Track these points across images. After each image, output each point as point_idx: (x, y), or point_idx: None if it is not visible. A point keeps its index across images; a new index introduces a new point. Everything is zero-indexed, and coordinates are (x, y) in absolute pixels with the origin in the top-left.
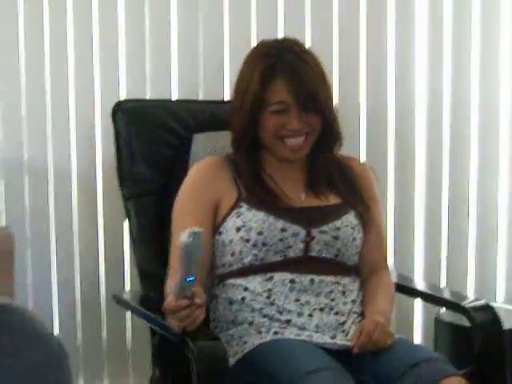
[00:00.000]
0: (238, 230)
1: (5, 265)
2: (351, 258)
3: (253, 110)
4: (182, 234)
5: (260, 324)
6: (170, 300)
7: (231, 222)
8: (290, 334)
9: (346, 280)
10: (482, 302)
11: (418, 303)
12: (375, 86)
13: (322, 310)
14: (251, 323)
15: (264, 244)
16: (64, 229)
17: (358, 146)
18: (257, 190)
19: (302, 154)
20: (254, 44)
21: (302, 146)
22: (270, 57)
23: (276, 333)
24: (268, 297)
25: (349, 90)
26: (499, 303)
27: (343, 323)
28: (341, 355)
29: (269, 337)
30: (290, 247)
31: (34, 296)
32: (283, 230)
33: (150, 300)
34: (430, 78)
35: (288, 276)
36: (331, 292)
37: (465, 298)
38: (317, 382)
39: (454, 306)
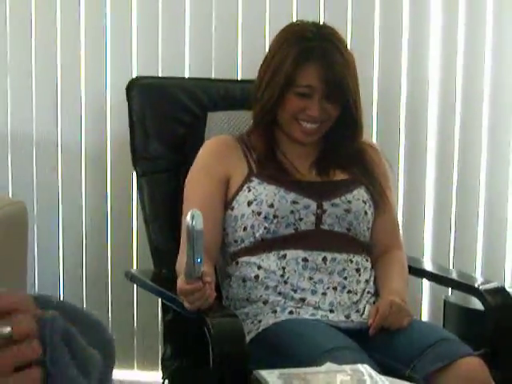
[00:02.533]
0: (250, 203)
1: (19, 237)
2: (363, 233)
3: (282, 89)
4: (186, 217)
5: (275, 303)
6: (181, 283)
7: (243, 197)
8: (306, 313)
9: (359, 258)
10: (496, 284)
11: (426, 284)
12: (388, 72)
13: (335, 288)
14: (266, 302)
15: (275, 216)
16: (72, 205)
17: (369, 132)
18: (268, 165)
19: (313, 139)
20: (267, 23)
21: (316, 131)
22: (307, 40)
23: (291, 312)
24: (282, 275)
25: (361, 76)
26: (507, 286)
27: (357, 302)
28: (356, 334)
29: (284, 316)
30: (301, 219)
31: (40, 271)
32: (294, 202)
33: (163, 277)
34: (442, 66)
35: (301, 254)
36: (344, 270)
37: (477, 280)
38: (335, 361)
39: (468, 288)
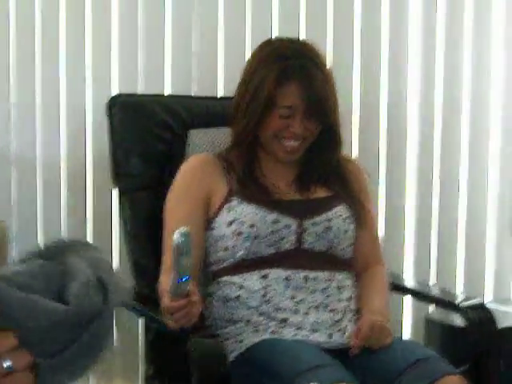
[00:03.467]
0: (230, 224)
1: None
2: (344, 251)
3: (263, 110)
4: (173, 235)
5: (257, 323)
6: (167, 301)
7: (223, 217)
8: (288, 333)
9: (340, 276)
10: (477, 300)
11: (407, 301)
12: (368, 85)
13: (317, 307)
14: (248, 322)
15: (256, 237)
16: (52, 223)
17: (349, 145)
18: (248, 184)
19: (295, 157)
20: (247, 40)
21: (297, 149)
22: (285, 59)
23: (273, 332)
24: (264, 295)
25: (341, 90)
26: (487, 302)
27: (339, 321)
28: (338, 354)
29: (266, 336)
30: (282, 239)
31: None
32: (275, 222)
33: (145, 296)
34: (422, 78)
35: (282, 273)
36: (325, 289)
37: (458, 296)
38: (318, 378)
39: (449, 304)
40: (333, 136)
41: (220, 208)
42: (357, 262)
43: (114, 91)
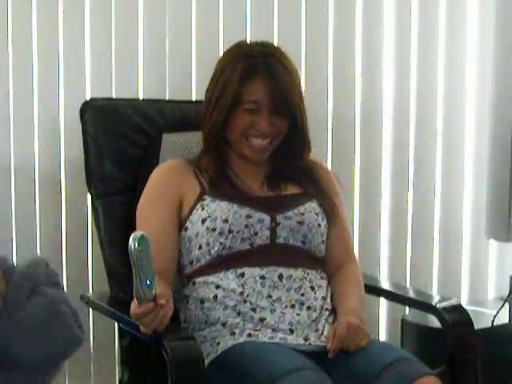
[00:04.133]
0: (204, 221)
1: None
2: (318, 246)
3: (230, 107)
4: (129, 241)
5: (233, 325)
6: (133, 306)
7: (196, 215)
8: (264, 336)
9: (313, 275)
10: (453, 301)
11: (383, 303)
12: (342, 91)
13: (293, 306)
14: (224, 324)
15: (230, 231)
16: (26, 229)
17: (324, 150)
18: (220, 183)
19: (264, 156)
20: (221, 44)
21: (266, 148)
22: (251, 57)
23: (250, 335)
24: (241, 292)
25: (316, 96)
26: (464, 304)
27: (315, 320)
28: (315, 356)
29: (242, 339)
30: (256, 234)
31: None
32: (248, 216)
33: (119, 300)
34: (397, 83)
35: (258, 272)
36: (300, 287)
37: (434, 298)
38: (295, 381)
39: (425, 306)
40: (300, 135)
41: (193, 208)
42: (329, 261)
43: (88, 96)
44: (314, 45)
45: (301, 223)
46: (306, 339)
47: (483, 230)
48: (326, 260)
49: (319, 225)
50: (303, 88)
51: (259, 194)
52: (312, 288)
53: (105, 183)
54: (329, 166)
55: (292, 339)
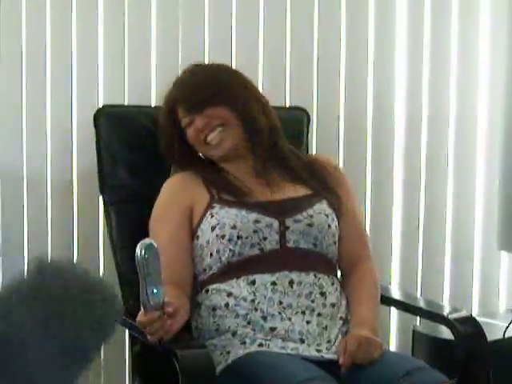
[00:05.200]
0: (213, 228)
1: None
2: (330, 248)
3: (181, 142)
4: (136, 249)
5: (244, 334)
6: (140, 314)
7: (206, 224)
8: (275, 346)
9: (324, 280)
10: (465, 312)
11: (394, 313)
12: (354, 90)
13: (303, 312)
14: (235, 333)
15: (239, 237)
16: (39, 236)
17: (336, 153)
18: (227, 190)
19: (224, 148)
20: (233, 55)
21: (222, 139)
22: (170, 100)
23: (261, 345)
24: (252, 300)
25: (328, 95)
26: (475, 315)
27: (326, 328)
28: (327, 366)
29: (253, 348)
30: (265, 239)
31: None
32: (256, 221)
33: (131, 308)
34: (409, 81)
35: (268, 278)
36: (311, 293)
37: (445, 308)
38: None
39: (437, 316)
40: (248, 118)
41: (203, 216)
42: (343, 258)
43: (101, 103)
44: (326, 47)
45: (310, 225)
46: (318, 351)
47: (494, 242)
48: (339, 258)
49: (329, 226)
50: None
51: (268, 198)
52: (322, 294)
53: (117, 190)
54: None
55: (303, 349)
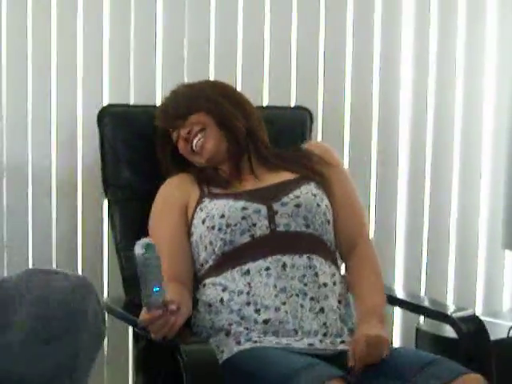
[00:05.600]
0: (204, 221)
1: None
2: (322, 226)
3: (175, 157)
4: (134, 248)
5: (238, 333)
6: (142, 313)
7: (197, 218)
8: (270, 342)
9: (318, 261)
10: (469, 311)
11: (398, 312)
12: (360, 88)
13: (297, 295)
14: (228, 333)
15: (228, 225)
16: (42, 233)
17: (341, 152)
18: (214, 183)
19: (207, 151)
20: (239, 54)
21: (204, 142)
22: (158, 122)
23: (255, 342)
24: (247, 293)
25: (333, 99)
26: (479, 314)
27: (322, 311)
28: (324, 359)
29: (248, 345)
30: (254, 225)
31: None
32: (244, 208)
33: (135, 305)
34: (414, 85)
35: (262, 264)
36: (304, 276)
37: (449, 307)
38: (310, 376)
39: (441, 315)
40: (226, 122)
41: (194, 212)
42: (341, 244)
43: (105, 102)
44: (332, 46)
45: (298, 206)
46: (310, 344)
47: (499, 241)
48: (338, 243)
49: (318, 205)
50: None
51: (254, 186)
52: (316, 274)
53: (121, 189)
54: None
55: (298, 344)
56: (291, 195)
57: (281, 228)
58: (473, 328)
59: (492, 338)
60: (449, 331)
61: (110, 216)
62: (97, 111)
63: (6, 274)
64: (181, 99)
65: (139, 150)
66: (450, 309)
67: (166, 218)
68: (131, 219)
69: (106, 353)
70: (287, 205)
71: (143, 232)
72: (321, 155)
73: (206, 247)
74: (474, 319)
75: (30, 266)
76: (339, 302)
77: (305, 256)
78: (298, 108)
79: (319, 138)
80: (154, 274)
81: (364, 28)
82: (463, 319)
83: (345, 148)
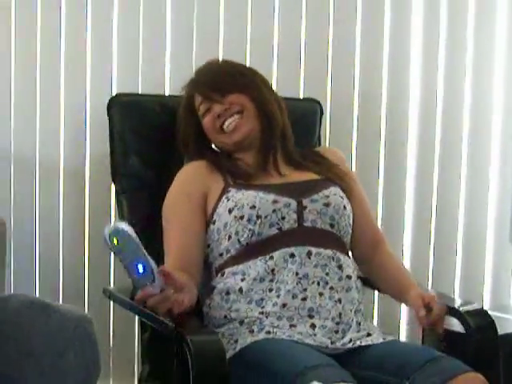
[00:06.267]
0: (231, 210)
1: None
2: (346, 229)
3: (196, 132)
4: (104, 231)
5: (251, 322)
6: (138, 295)
7: (222, 207)
8: (282, 334)
9: (342, 256)
10: (476, 305)
11: (404, 306)
12: (368, 87)
13: (318, 283)
14: (242, 322)
15: (258, 217)
16: (50, 221)
17: (349, 148)
18: (241, 175)
19: (239, 134)
20: (248, 43)
21: (238, 125)
22: (190, 89)
23: (268, 332)
24: (271, 280)
25: (342, 91)
26: (486, 308)
27: (340, 301)
28: (335, 357)
29: (261, 335)
30: (283, 218)
31: (16, 289)
32: (275, 201)
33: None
34: (423, 79)
35: (288, 251)
36: (326, 265)
37: (456, 301)
38: (319, 377)
39: (448, 309)
40: (267, 113)
41: (218, 201)
42: (360, 242)
43: (114, 91)
44: (341, 42)
45: (327, 205)
46: (329, 341)
47: (507, 235)
48: (357, 243)
49: (345, 207)
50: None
51: (280, 181)
52: (339, 267)
53: (130, 178)
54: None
55: (310, 340)
56: (321, 194)
57: (307, 223)
58: (480, 322)
59: (500, 332)
60: (456, 325)
61: (118, 205)
62: (106, 100)
63: (12, 264)
64: (222, 73)
65: (148, 140)
66: (458, 302)
67: (179, 209)
68: (139, 208)
69: (111, 342)
70: (317, 202)
71: (151, 221)
72: (340, 163)
73: (229, 237)
74: (481, 313)
75: (37, 255)
76: (358, 302)
77: (329, 249)
78: (308, 100)
79: (327, 130)
80: (133, 255)
81: (373, 20)
82: (471, 313)
83: (353, 140)
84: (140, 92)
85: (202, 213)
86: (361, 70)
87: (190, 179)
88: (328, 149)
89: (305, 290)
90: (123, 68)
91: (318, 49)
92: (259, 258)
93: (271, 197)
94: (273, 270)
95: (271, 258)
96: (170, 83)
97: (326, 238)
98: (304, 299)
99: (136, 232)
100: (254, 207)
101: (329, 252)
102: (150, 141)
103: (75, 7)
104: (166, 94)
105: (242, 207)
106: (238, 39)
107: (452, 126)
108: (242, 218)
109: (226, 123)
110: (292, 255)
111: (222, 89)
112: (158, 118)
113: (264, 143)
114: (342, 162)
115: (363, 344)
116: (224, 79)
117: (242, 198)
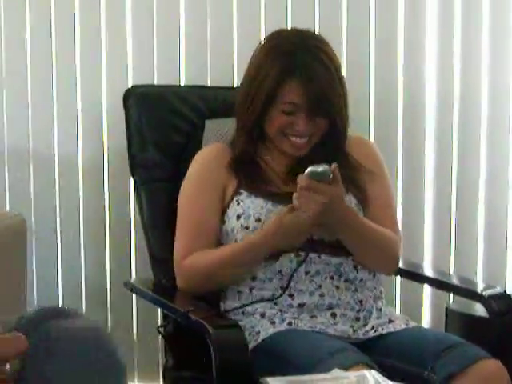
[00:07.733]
0: (238, 217)
1: (18, 250)
2: None
3: (264, 106)
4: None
5: (272, 316)
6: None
7: (232, 210)
8: (304, 325)
9: (354, 262)
10: (499, 289)
11: (427, 290)
12: (385, 74)
13: (332, 277)
14: (263, 315)
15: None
16: (70, 216)
17: (367, 132)
18: (255, 177)
19: (302, 152)
20: (262, 32)
21: (306, 144)
22: (288, 55)
23: (290, 323)
24: (280, 279)
25: (358, 78)
26: (509, 291)
27: (357, 290)
28: (358, 345)
29: (283, 327)
30: None
31: (39, 284)
32: None
33: (163, 286)
34: (440, 66)
35: (294, 253)
36: (341, 264)
37: (479, 285)
38: (339, 362)
39: (471, 293)
40: (338, 133)
41: (230, 201)
42: None
43: (130, 83)
44: (355, 30)
45: None
46: (351, 326)
47: None
48: None
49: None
50: (346, 76)
51: (293, 189)
52: (355, 267)
53: (148, 170)
54: None
55: (331, 330)
56: None
57: (315, 237)
58: (504, 306)
59: None
60: (480, 310)
61: (137, 197)
62: (121, 93)
63: (34, 260)
64: (329, 94)
65: (165, 130)
66: (480, 287)
67: (198, 195)
68: (158, 199)
69: (135, 333)
70: None
71: (170, 212)
72: (371, 159)
73: (236, 241)
74: (504, 297)
75: (59, 250)
76: (376, 296)
77: (339, 256)
78: None
79: None
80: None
81: (388, 14)
82: (494, 297)
83: (371, 131)
84: (156, 83)
85: (218, 200)
86: (376, 65)
87: (208, 164)
88: (358, 141)
89: (319, 286)
90: (138, 60)
91: (333, 42)
92: (263, 264)
93: (278, 209)
94: (280, 271)
95: (277, 259)
96: (185, 73)
97: (336, 249)
98: (322, 296)
99: (156, 223)
100: (259, 220)
101: (341, 258)
102: (167, 131)
103: (89, 1)
104: (181, 84)
105: (248, 218)
106: (252, 29)
107: (470, 116)
108: (247, 228)
109: (298, 140)
110: (298, 256)
111: (319, 113)
112: (174, 109)
113: (314, 157)
114: (371, 156)
115: (385, 332)
116: (326, 98)
117: (251, 206)
